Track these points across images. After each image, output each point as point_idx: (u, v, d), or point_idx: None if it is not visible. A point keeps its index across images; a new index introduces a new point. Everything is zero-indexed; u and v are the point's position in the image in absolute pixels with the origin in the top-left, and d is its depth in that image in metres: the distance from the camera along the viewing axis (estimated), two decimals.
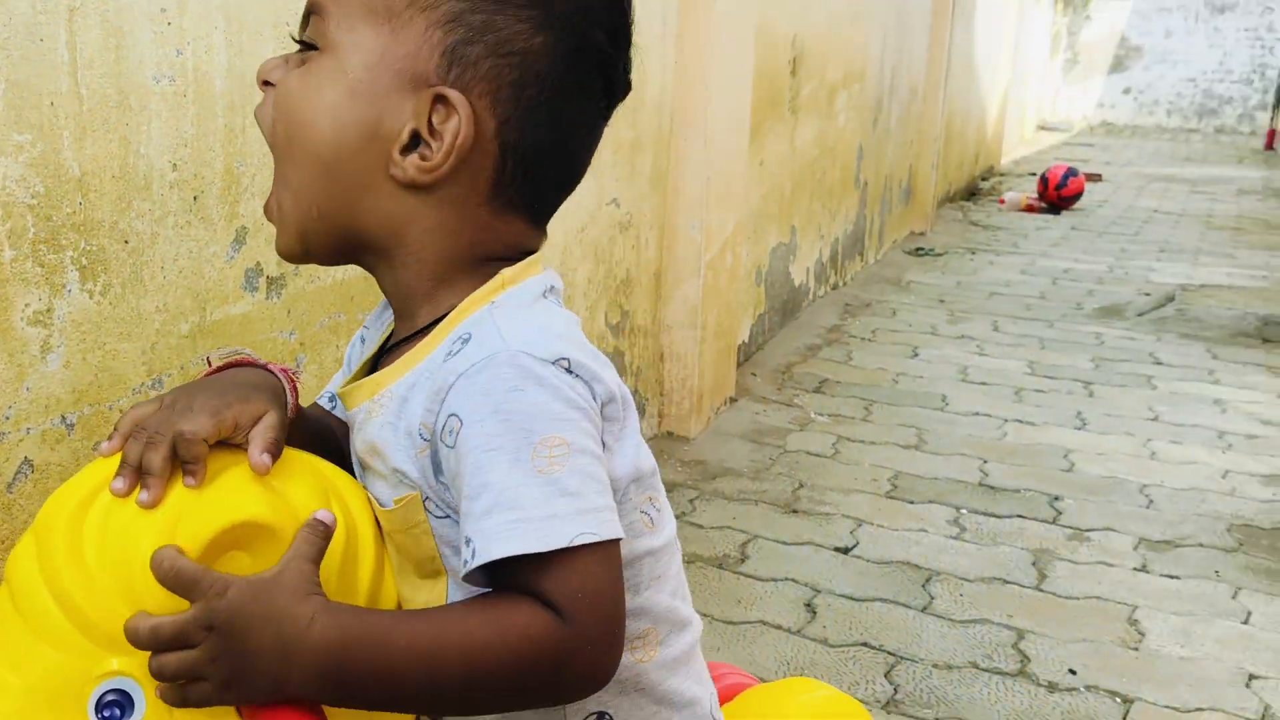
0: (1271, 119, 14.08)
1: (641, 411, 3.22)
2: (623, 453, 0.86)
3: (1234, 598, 2.53)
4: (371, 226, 0.86)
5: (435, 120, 0.82)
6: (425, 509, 0.84)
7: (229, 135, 1.60)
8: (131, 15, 1.41)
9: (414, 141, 0.83)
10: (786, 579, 2.54)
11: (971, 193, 9.15)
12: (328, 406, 1.04)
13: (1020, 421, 3.66)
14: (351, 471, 0.95)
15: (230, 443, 0.86)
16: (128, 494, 0.81)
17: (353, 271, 1.90)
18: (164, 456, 0.80)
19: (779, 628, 2.33)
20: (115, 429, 0.85)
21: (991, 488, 3.11)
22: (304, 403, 1.00)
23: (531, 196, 0.87)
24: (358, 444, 0.88)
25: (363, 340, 1.03)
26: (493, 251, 0.87)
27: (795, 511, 2.90)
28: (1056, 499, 3.05)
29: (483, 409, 0.77)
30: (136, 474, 0.81)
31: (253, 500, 0.82)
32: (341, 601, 0.82)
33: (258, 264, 1.68)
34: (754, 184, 3.95)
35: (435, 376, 0.82)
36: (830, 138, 4.93)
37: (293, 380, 0.92)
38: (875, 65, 5.56)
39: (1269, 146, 13.88)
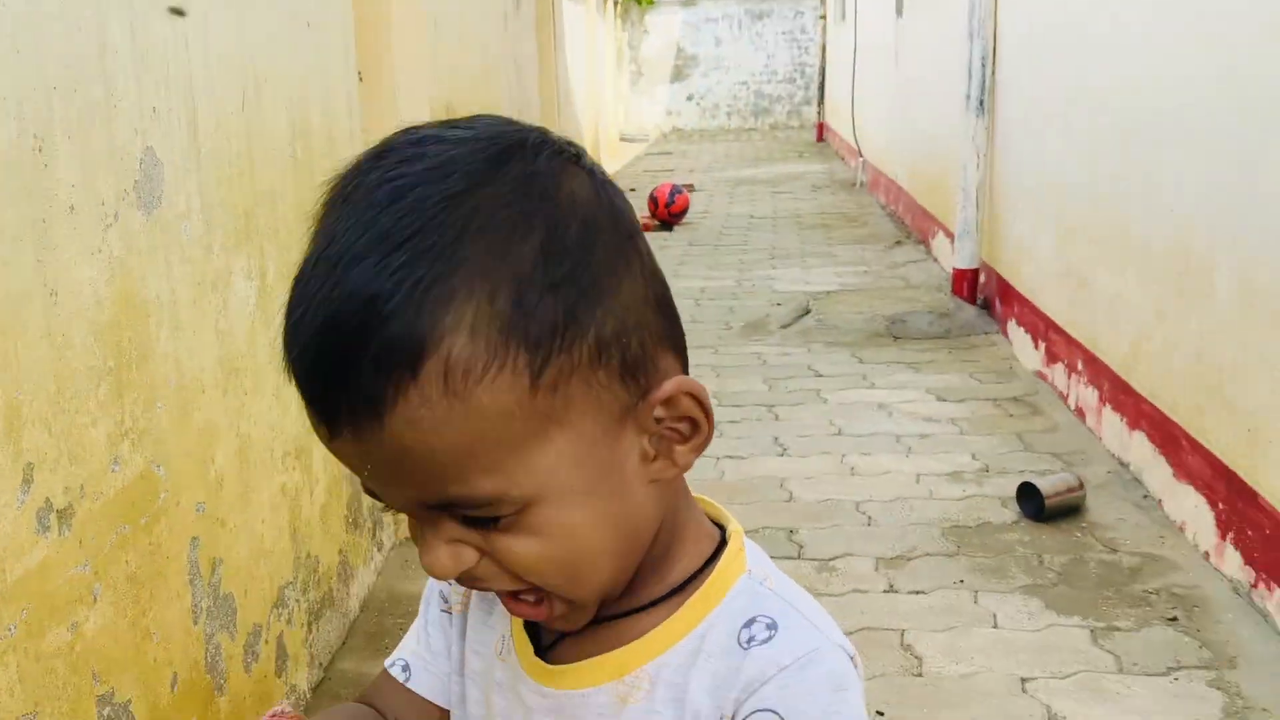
0: (818, 113, 15.57)
1: (380, 523, 3.07)
2: None
3: (976, 602, 2.80)
4: (651, 538, 0.77)
5: (662, 420, 0.72)
6: None
7: (3, 364, 1.36)
8: None
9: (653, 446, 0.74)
10: None
11: None
12: (401, 678, 0.91)
13: (731, 457, 3.84)
14: None
15: None
16: None
17: (130, 474, 1.68)
18: None
19: None
20: None
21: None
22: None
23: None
24: None
25: (444, 598, 0.91)
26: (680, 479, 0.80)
27: None
28: (793, 532, 3.23)
29: (810, 713, 0.72)
30: None
31: None
32: None
33: (47, 500, 1.45)
34: None
35: (727, 660, 0.75)
36: None
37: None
38: (505, 111, 5.61)
39: (820, 139, 15.36)
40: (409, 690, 0.91)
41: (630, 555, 0.75)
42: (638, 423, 0.71)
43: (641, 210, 9.03)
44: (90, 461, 1.56)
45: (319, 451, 2.56)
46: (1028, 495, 3.30)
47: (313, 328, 0.63)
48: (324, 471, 2.60)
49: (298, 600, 2.39)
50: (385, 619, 2.80)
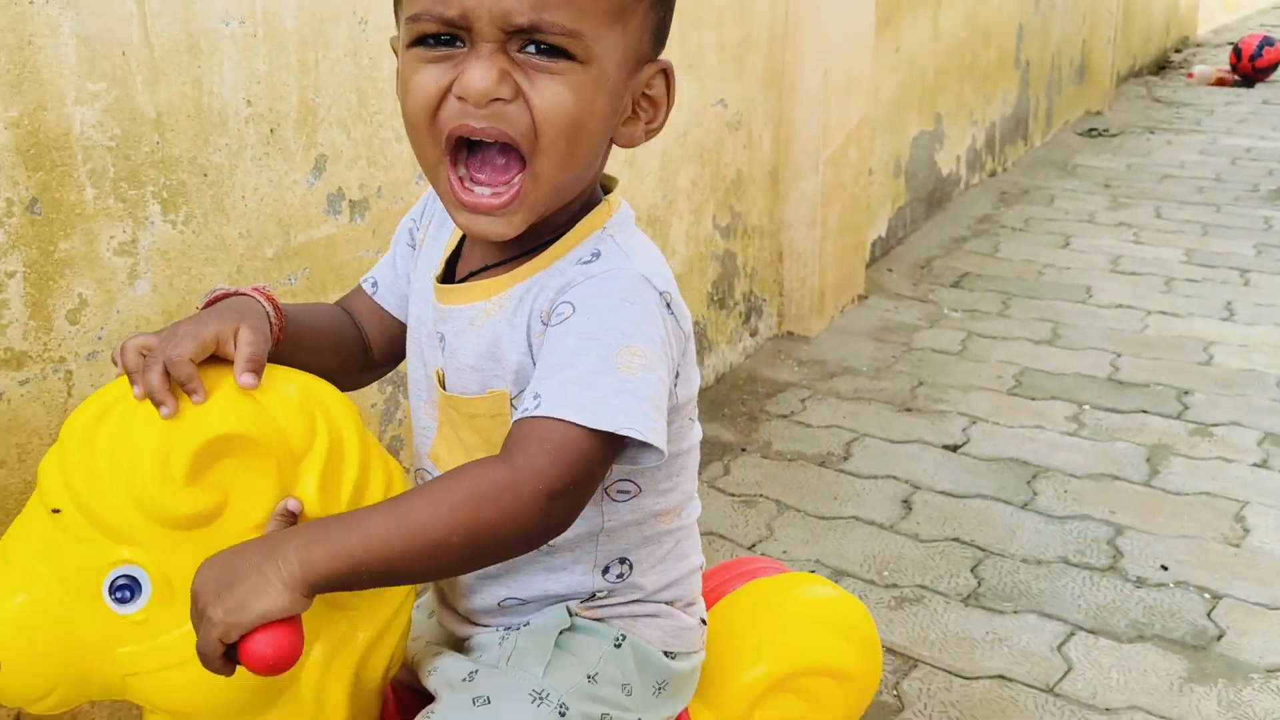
0: None
1: (759, 312, 3.26)
2: (690, 378, 1.05)
3: None
4: (586, 187, 1.00)
5: (648, 89, 0.98)
6: (511, 405, 0.99)
7: (303, 70, 1.72)
8: None
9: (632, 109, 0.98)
10: (888, 476, 2.57)
11: (1161, 66, 8.60)
12: (370, 291, 1.17)
13: (1165, 313, 3.53)
14: (394, 348, 1.15)
15: (228, 360, 0.97)
16: (143, 399, 0.93)
17: None
18: (160, 375, 0.92)
19: (871, 523, 2.38)
20: (119, 358, 0.97)
21: (1120, 383, 3.04)
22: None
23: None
24: (464, 338, 1.02)
25: (411, 235, 1.15)
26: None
27: (909, 409, 2.92)
28: (1186, 393, 2.95)
29: (596, 306, 0.93)
30: (149, 390, 0.93)
31: (235, 415, 0.94)
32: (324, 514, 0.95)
33: (339, 189, 1.81)
34: (888, 73, 3.87)
35: (563, 277, 0.97)
36: (982, 18, 4.75)
37: (269, 296, 1.04)
38: None
39: None
40: (375, 302, 1.17)
41: (581, 180, 0.98)
42: (634, 81, 0.96)
43: (1223, 63, 8.06)
44: (391, 170, 1.91)
45: (676, 220, 2.79)
46: None
47: None
48: (683, 245, 2.83)
49: None
50: (734, 392, 3.02)
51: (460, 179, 0.95)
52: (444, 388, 1.05)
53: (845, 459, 2.66)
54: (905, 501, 2.46)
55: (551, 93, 0.90)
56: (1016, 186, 5.13)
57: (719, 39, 2.83)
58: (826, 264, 3.34)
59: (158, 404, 0.92)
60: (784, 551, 2.27)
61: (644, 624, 1.08)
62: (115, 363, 0.97)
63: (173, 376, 0.93)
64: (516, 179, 0.93)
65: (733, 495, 2.50)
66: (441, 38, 0.91)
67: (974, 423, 2.83)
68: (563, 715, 0.99)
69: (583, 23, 0.89)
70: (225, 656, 0.86)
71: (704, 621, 1.15)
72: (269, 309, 1.02)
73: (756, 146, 3.10)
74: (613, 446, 0.92)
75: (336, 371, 1.08)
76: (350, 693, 1.02)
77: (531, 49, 0.89)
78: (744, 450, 2.70)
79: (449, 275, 1.07)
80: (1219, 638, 1.98)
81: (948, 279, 3.92)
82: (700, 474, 2.56)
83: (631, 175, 2.58)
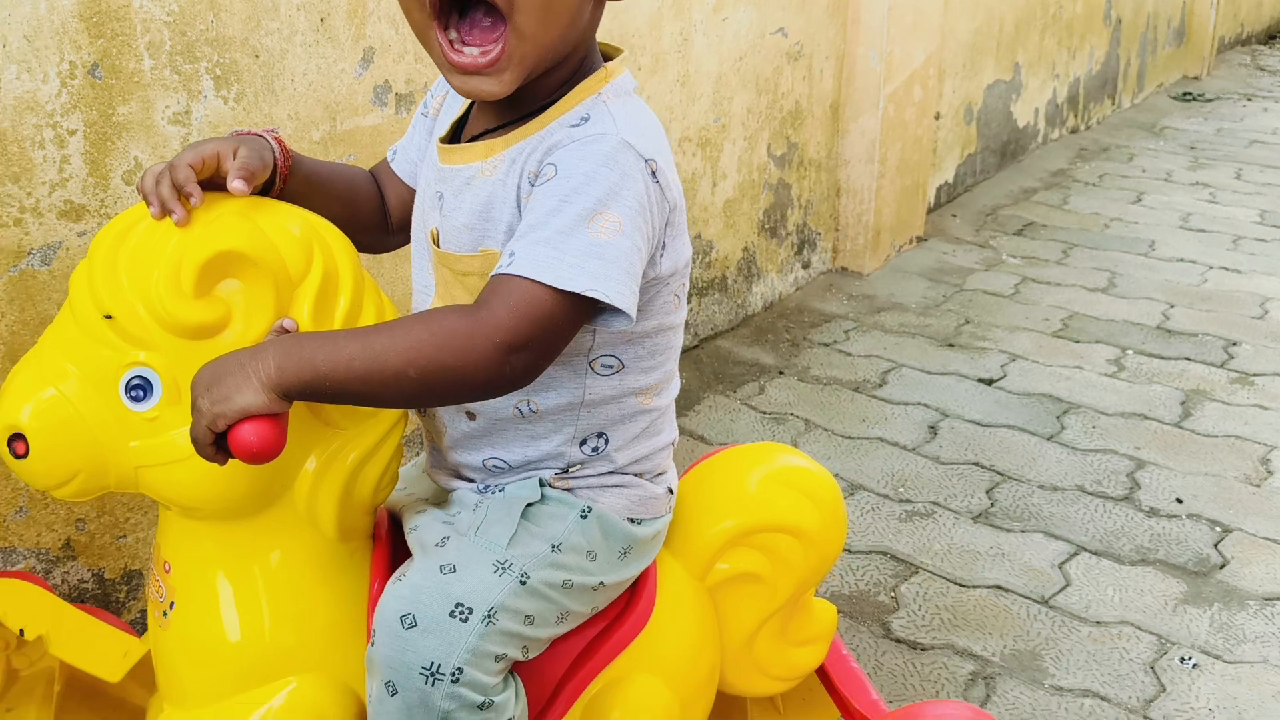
0: None
1: (812, 245, 3.31)
2: (676, 249, 1.08)
3: None
4: (577, 45, 1.04)
5: None
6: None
7: None
8: None
9: None
10: (919, 404, 2.62)
11: (1272, 36, 8.34)
12: (389, 158, 1.26)
13: (1226, 269, 3.50)
14: (403, 214, 1.22)
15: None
16: (161, 218, 1.04)
17: None
18: (169, 186, 1.03)
19: (895, 444, 2.44)
20: (140, 185, 1.08)
21: (1168, 331, 3.04)
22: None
23: None
24: (461, 197, 1.07)
25: (427, 105, 1.23)
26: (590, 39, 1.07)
27: (952, 345, 2.95)
28: (1234, 344, 2.94)
29: (576, 169, 0.97)
30: (160, 202, 1.04)
31: (236, 235, 1.04)
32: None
33: (386, 81, 1.91)
34: (962, 17, 3.86)
35: (551, 138, 1.01)
36: None
37: (279, 139, 1.13)
38: None
39: None
40: (391, 168, 1.24)
41: (569, 38, 1.01)
42: None
43: None
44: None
45: (728, 145, 2.85)
46: None
47: None
48: (734, 169, 2.89)
49: None
50: (781, 320, 3.08)
51: (451, 42, 1.00)
52: (438, 246, 1.11)
53: (880, 386, 2.71)
54: (932, 427, 2.51)
55: None
56: (1097, 144, 5.07)
57: None
58: (884, 202, 3.37)
59: (169, 212, 1.02)
60: None
61: (612, 493, 1.14)
62: (138, 191, 1.08)
63: (173, 182, 1.02)
64: (501, 37, 0.99)
65: (764, 412, 2.57)
66: None
67: (1013, 360, 2.86)
68: (523, 584, 1.06)
69: None
70: (216, 445, 0.97)
71: (671, 490, 1.21)
72: (275, 147, 1.12)
73: (817, 79, 3.14)
74: (580, 307, 0.97)
75: (351, 224, 1.16)
76: (339, 504, 1.13)
77: None
78: (781, 373, 2.77)
79: (455, 140, 1.13)
80: (1222, 566, 2.01)
81: (1011, 227, 3.92)
82: (734, 392, 2.64)
83: (683, 95, 2.65)
